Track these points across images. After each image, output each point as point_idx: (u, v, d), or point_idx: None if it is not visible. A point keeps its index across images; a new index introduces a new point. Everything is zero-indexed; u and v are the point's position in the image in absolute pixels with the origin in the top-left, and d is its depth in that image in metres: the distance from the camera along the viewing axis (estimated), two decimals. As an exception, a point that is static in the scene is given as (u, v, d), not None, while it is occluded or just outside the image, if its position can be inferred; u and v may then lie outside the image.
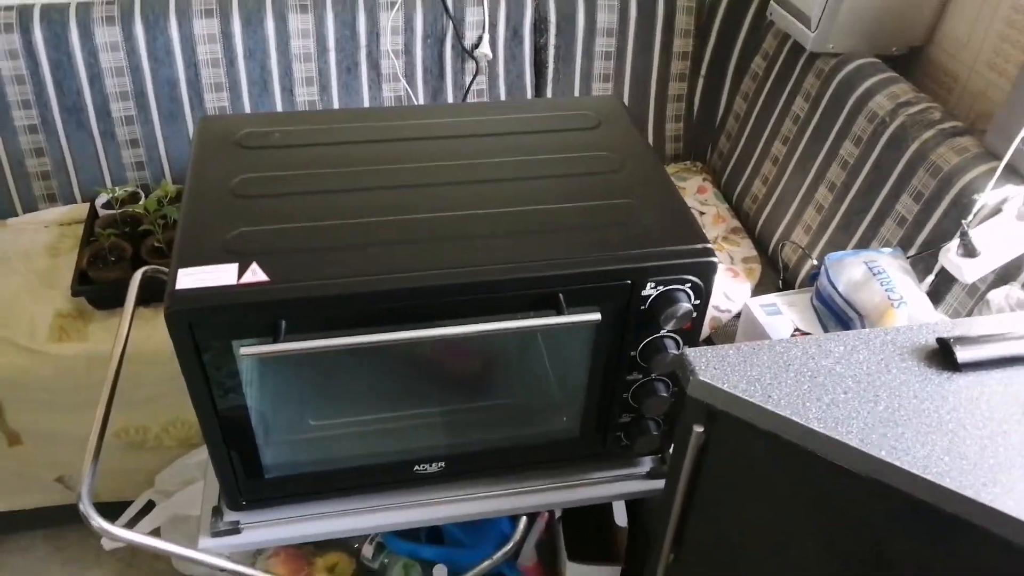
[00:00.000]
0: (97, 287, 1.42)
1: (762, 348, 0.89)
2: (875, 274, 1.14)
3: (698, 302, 0.92)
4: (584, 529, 1.26)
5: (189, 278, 0.82)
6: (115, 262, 1.44)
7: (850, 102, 1.43)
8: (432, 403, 1.07)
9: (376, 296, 0.83)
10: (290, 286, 0.82)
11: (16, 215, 1.65)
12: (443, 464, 1.03)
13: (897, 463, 0.77)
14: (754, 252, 1.62)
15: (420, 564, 1.34)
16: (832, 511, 0.89)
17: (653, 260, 0.89)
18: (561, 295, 0.87)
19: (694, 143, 1.90)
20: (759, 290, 1.54)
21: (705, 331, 1.45)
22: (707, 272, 0.91)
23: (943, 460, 0.77)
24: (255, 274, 0.83)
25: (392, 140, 1.05)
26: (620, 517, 1.19)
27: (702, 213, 1.70)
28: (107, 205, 1.56)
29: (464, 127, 1.08)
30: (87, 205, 1.62)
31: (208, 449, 0.93)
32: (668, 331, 0.94)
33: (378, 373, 1.05)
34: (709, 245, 0.91)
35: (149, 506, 1.50)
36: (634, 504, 1.27)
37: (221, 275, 0.83)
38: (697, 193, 1.76)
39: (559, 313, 0.87)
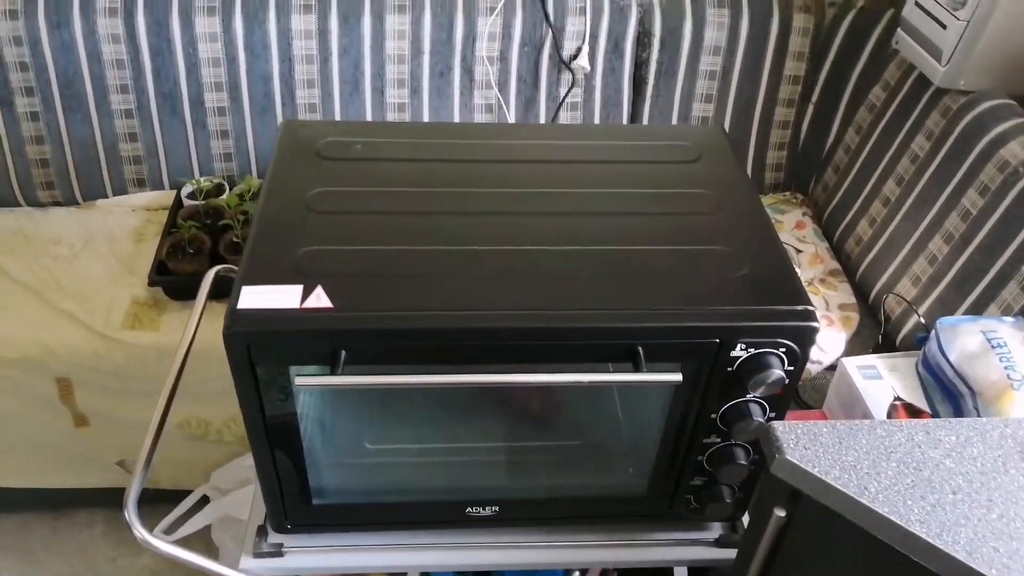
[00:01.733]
0: (174, 278, 1.42)
1: (861, 429, 0.80)
2: (994, 347, 1.02)
3: (792, 368, 0.83)
4: (642, 584, 1.19)
5: (252, 297, 0.79)
6: (193, 254, 1.44)
7: (979, 147, 1.30)
8: (493, 437, 1.02)
9: (440, 333, 0.78)
10: (352, 315, 0.78)
11: (106, 197, 1.67)
12: (497, 508, 0.97)
13: (1011, 586, 0.67)
14: (852, 299, 1.50)
15: (467, 598, 1.29)
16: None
17: (746, 320, 0.81)
18: (640, 349, 0.80)
19: (796, 174, 1.78)
20: (855, 341, 1.43)
21: (792, 382, 1.34)
22: (805, 337, 0.82)
23: (1064, 587, 0.67)
24: (319, 299, 0.79)
25: (477, 161, 0.99)
26: (682, 579, 1.12)
27: (799, 251, 1.59)
28: (191, 195, 1.57)
29: (554, 152, 1.02)
30: (174, 192, 1.63)
31: (256, 469, 0.89)
32: (755, 396, 0.86)
33: (440, 402, 1.00)
34: (811, 307, 0.82)
35: (204, 500, 1.50)
36: (698, 570, 1.18)
37: (285, 297, 0.79)
38: (795, 228, 1.65)
39: (636, 369, 0.80)
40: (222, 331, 0.77)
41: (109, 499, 1.68)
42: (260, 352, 0.78)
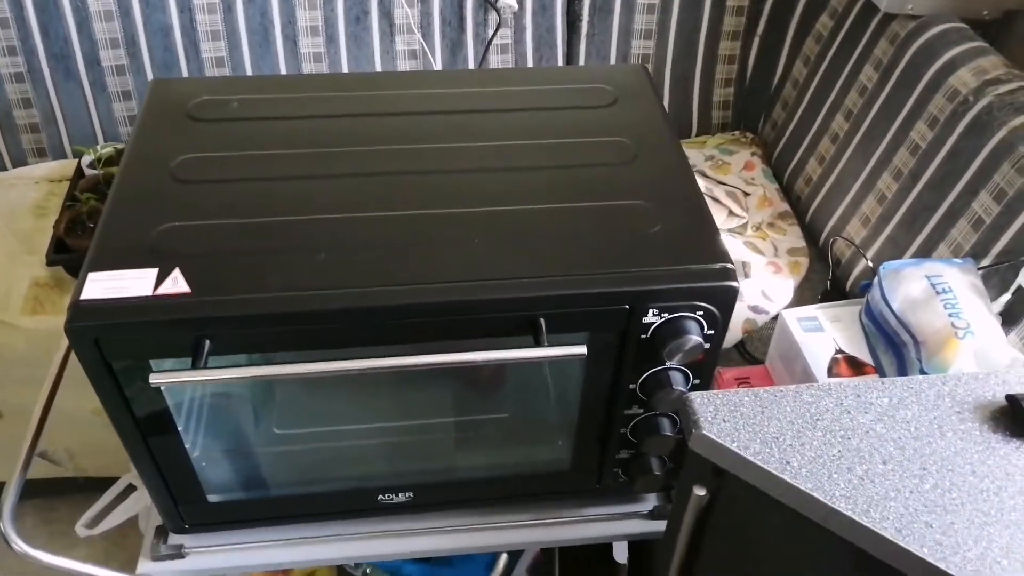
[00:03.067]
0: (74, 256, 1.32)
1: (786, 396, 0.73)
2: (938, 292, 0.95)
3: (712, 333, 0.76)
4: (582, 562, 1.13)
5: (99, 285, 0.69)
6: (94, 228, 1.33)
7: (928, 75, 1.21)
8: (405, 414, 0.94)
9: (311, 316, 0.69)
10: (213, 300, 0.69)
11: (5, 169, 1.55)
12: (411, 494, 0.90)
13: (941, 565, 0.61)
14: (802, 243, 1.42)
15: (402, 579, 1.23)
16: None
17: (657, 282, 0.73)
18: (542, 320, 0.72)
19: (745, 112, 1.69)
20: (804, 288, 1.36)
21: (737, 334, 1.28)
22: (725, 299, 0.74)
23: (999, 563, 0.61)
24: (176, 283, 0.70)
25: (365, 115, 0.89)
26: (620, 553, 1.06)
27: (747, 194, 1.51)
28: (92, 165, 1.45)
29: (454, 101, 0.92)
30: (76, 161, 1.51)
31: (136, 471, 0.81)
32: (674, 364, 0.78)
33: (339, 381, 0.92)
34: (729, 266, 0.74)
35: (130, 488, 1.42)
36: (638, 543, 1.13)
37: (136, 283, 0.70)
38: (744, 170, 1.57)
39: (538, 343, 0.72)
40: (64, 325, 0.68)
41: (38, 491, 1.60)
42: (111, 348, 0.69)
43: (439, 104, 0.91)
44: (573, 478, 0.92)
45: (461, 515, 0.95)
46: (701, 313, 0.74)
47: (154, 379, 0.68)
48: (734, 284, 0.73)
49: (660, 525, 0.97)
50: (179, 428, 0.78)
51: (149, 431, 0.77)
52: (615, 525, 0.96)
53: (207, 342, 0.69)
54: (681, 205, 0.80)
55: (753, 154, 1.60)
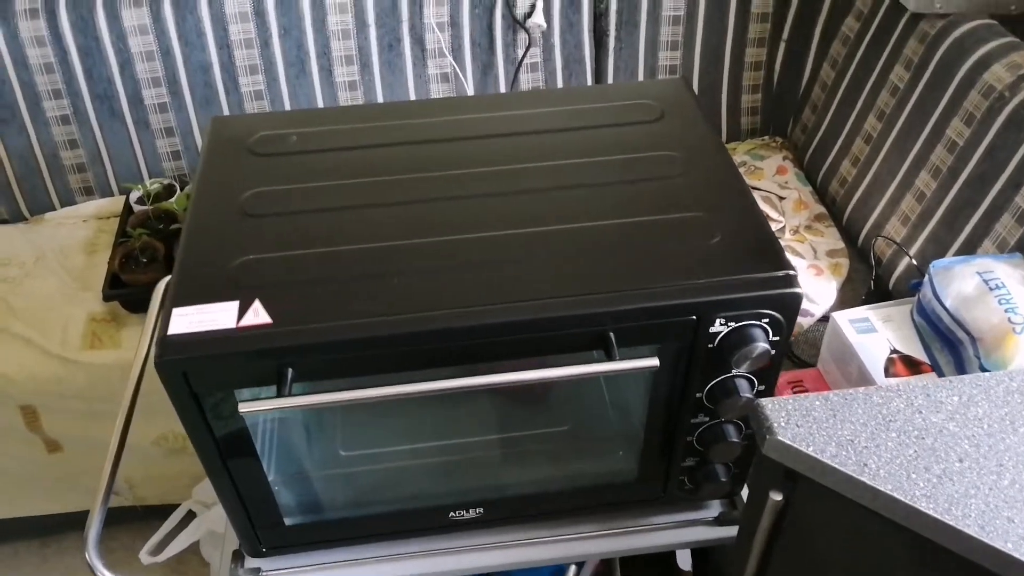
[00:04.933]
0: (129, 291, 1.35)
1: (856, 399, 0.74)
2: (991, 288, 0.96)
3: (777, 339, 0.77)
4: (644, 567, 1.14)
5: (184, 320, 0.72)
6: (147, 263, 1.36)
7: (961, 72, 1.22)
8: (473, 432, 0.96)
9: (391, 340, 0.71)
10: (294, 330, 0.71)
11: (53, 209, 1.59)
12: (481, 510, 0.92)
13: (1028, 559, 0.62)
14: (841, 244, 1.44)
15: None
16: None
17: (724, 292, 0.74)
18: (612, 335, 0.74)
19: (774, 116, 1.71)
20: (847, 289, 1.37)
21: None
22: (789, 305, 0.76)
23: (1087, 555, 0.62)
24: (257, 315, 0.72)
25: (421, 142, 0.92)
26: (684, 560, 1.07)
27: (782, 198, 1.52)
28: (140, 200, 1.49)
29: (506, 124, 0.94)
30: (124, 198, 1.55)
31: (218, 497, 0.84)
32: (740, 372, 0.80)
33: (412, 402, 0.94)
34: (792, 272, 0.76)
35: (190, 516, 1.45)
36: (701, 550, 1.14)
37: (220, 316, 0.72)
38: (776, 174, 1.58)
39: (609, 357, 0.73)
40: (153, 360, 0.70)
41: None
42: (198, 379, 0.72)
43: (492, 128, 0.94)
44: (639, 487, 0.93)
45: (530, 528, 0.96)
46: (767, 320, 0.75)
47: (243, 409, 0.70)
48: (798, 290, 0.75)
49: (725, 531, 0.98)
50: (257, 453, 0.80)
51: (231, 458, 0.79)
52: (681, 533, 0.97)
53: (290, 370, 0.72)
54: (737, 214, 0.81)
55: (785, 158, 1.61)
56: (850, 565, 0.81)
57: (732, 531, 0.97)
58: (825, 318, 1.30)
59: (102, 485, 0.91)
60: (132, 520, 1.58)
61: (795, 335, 1.30)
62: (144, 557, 1.37)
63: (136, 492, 1.56)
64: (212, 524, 1.35)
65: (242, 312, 0.72)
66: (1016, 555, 0.62)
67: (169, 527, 1.43)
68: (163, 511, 1.49)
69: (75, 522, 1.69)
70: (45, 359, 1.33)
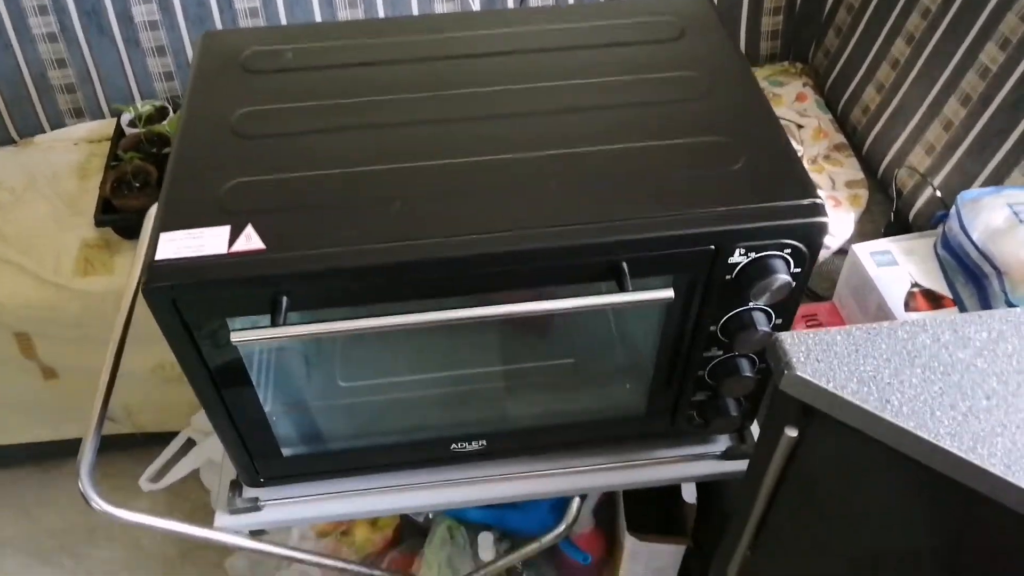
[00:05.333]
0: (121, 216, 1.31)
1: (879, 333, 0.71)
2: (1022, 220, 0.92)
3: (799, 270, 0.73)
4: (647, 500, 1.13)
5: (173, 245, 0.68)
6: (140, 188, 1.32)
7: (998, -7, 1.15)
8: (475, 363, 0.93)
9: (392, 269, 0.68)
10: (289, 256, 0.67)
11: (43, 132, 1.54)
12: (484, 442, 0.89)
13: (1057, 501, 0.59)
14: (860, 175, 1.38)
15: (466, 525, 1.24)
16: (959, 535, 0.72)
17: (744, 221, 0.70)
18: (625, 265, 0.70)
19: (795, 40, 1.63)
20: (865, 221, 1.32)
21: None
22: (814, 235, 0.71)
23: (1120, 499, 0.59)
24: (249, 240, 0.68)
25: (428, 59, 0.86)
26: (688, 493, 1.05)
27: (801, 126, 1.46)
28: (132, 123, 1.43)
29: (517, 41, 0.88)
30: (115, 120, 1.49)
31: (214, 428, 0.81)
32: (758, 304, 0.76)
33: (410, 336, 0.91)
34: (819, 200, 0.71)
35: (190, 444, 1.44)
36: (705, 484, 1.12)
37: (210, 241, 0.68)
38: (796, 101, 1.51)
39: (621, 288, 0.70)
40: (141, 287, 0.66)
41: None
42: (189, 308, 0.68)
43: (501, 44, 0.88)
44: (646, 421, 0.90)
45: (533, 461, 0.94)
46: (789, 251, 0.71)
47: (236, 338, 0.67)
48: (824, 219, 0.70)
49: (732, 466, 0.96)
50: (253, 383, 0.78)
51: (226, 388, 0.76)
52: (688, 467, 0.95)
53: (285, 299, 0.68)
54: (762, 139, 0.76)
55: (805, 85, 1.54)
56: (859, 504, 0.79)
57: (740, 465, 0.95)
58: (842, 251, 1.26)
59: (94, 414, 0.89)
60: (132, 447, 1.57)
61: (809, 269, 1.26)
62: (144, 484, 1.36)
63: (135, 420, 1.55)
64: (211, 452, 1.34)
65: (234, 237, 0.68)
66: (1044, 497, 0.59)
67: (168, 455, 1.42)
68: (163, 438, 1.49)
69: (73, 449, 1.68)
70: (38, 286, 1.30)
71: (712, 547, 1.02)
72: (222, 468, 0.96)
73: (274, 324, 0.67)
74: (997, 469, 0.61)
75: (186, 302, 0.68)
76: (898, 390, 0.66)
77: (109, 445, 1.65)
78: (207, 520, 0.94)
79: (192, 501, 1.64)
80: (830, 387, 0.67)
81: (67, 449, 1.66)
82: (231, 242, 0.68)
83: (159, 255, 0.67)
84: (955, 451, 0.62)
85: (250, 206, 0.71)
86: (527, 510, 1.20)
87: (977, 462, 0.62)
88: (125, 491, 1.65)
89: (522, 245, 0.68)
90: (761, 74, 1.59)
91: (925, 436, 0.63)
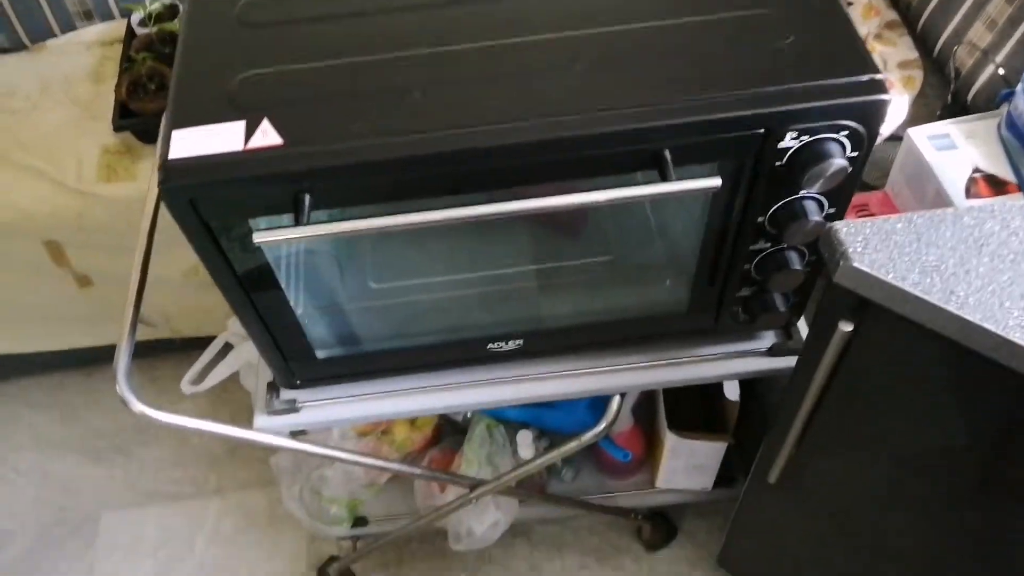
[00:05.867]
0: (139, 120, 1.27)
1: (944, 220, 0.66)
2: (1099, 95, 0.84)
3: (856, 154, 0.68)
4: (688, 398, 1.11)
5: (186, 143, 0.64)
6: (156, 90, 1.27)
7: None
8: (512, 261, 0.90)
9: (419, 161, 0.63)
10: (309, 151, 0.63)
11: (54, 36, 1.48)
12: (521, 341, 0.87)
13: None
14: (915, 54, 1.28)
15: (504, 424, 1.23)
16: (1010, 433, 0.69)
17: (797, 101, 0.64)
18: (667, 152, 0.65)
19: (845, -94, 1.49)
20: (919, 104, 1.24)
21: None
22: (873, 114, 0.65)
23: None
24: (266, 135, 0.64)
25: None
26: (731, 391, 1.03)
27: (850, 3, 1.35)
28: (142, 23, 1.37)
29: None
30: (126, 21, 1.43)
31: (246, 331, 0.80)
32: (811, 192, 0.71)
33: (447, 229, 0.88)
34: (878, 76, 0.65)
35: (227, 348, 1.44)
36: (746, 383, 1.09)
37: (225, 137, 0.64)
38: (845, -25, 1.40)
39: (664, 178, 0.65)
40: (157, 185, 0.63)
41: (137, 352, 1.65)
42: (208, 207, 0.65)
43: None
44: (688, 318, 0.87)
45: (572, 360, 0.92)
46: (846, 133, 0.66)
47: (258, 238, 0.64)
48: (885, 97, 0.64)
49: (779, 362, 0.93)
50: (281, 285, 0.75)
51: (253, 290, 0.74)
52: (732, 364, 0.92)
53: (307, 196, 0.65)
54: (814, 9, 0.70)
55: (855, -44, 1.43)
56: (911, 402, 0.76)
57: (787, 362, 0.92)
58: (894, 137, 1.18)
59: (126, 319, 0.88)
60: (172, 351, 1.59)
61: (858, 156, 1.20)
62: (186, 387, 1.38)
63: (172, 325, 1.56)
64: (248, 355, 1.34)
65: (249, 132, 0.64)
66: (1121, 390, 0.55)
67: (207, 359, 1.42)
68: (202, 342, 1.50)
69: (113, 354, 1.72)
70: (63, 193, 1.28)
71: (754, 445, 1.01)
72: (258, 371, 0.95)
73: (297, 223, 0.64)
74: (1069, 361, 0.57)
75: (205, 202, 0.65)
76: (964, 280, 0.62)
77: (150, 351, 1.67)
78: (250, 421, 0.95)
79: (232, 405, 1.67)
80: (890, 278, 0.63)
81: (109, 353, 1.69)
82: (247, 138, 0.64)
83: (172, 154, 0.64)
84: (1024, 343, 0.59)
85: (264, 99, 0.67)
86: (565, 409, 1.19)
87: (1048, 354, 0.58)
88: (170, 394, 1.68)
89: (556, 133, 0.63)
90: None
91: (993, 328, 0.59)
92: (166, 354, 1.62)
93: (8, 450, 1.68)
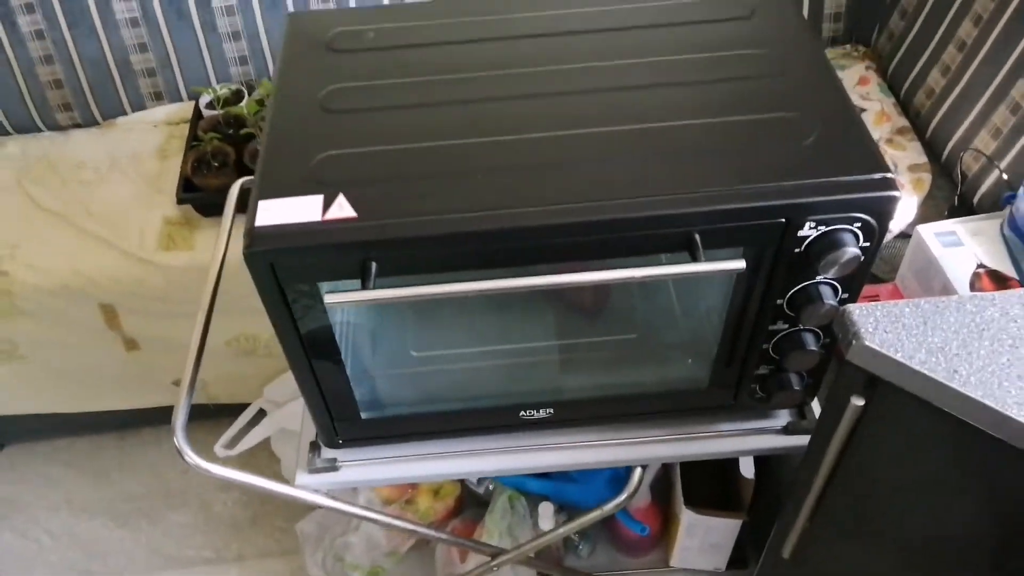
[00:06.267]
0: (202, 194, 1.37)
1: (948, 306, 0.72)
2: (1093, 201, 0.92)
3: (868, 245, 0.75)
4: (704, 473, 1.15)
5: (270, 212, 0.73)
6: (219, 167, 1.38)
7: (1071, -28, 1.14)
8: (543, 336, 0.97)
9: (475, 236, 0.71)
10: (378, 224, 0.71)
11: (125, 114, 1.61)
12: (552, 410, 0.93)
13: (1126, 470, 0.60)
14: (923, 159, 1.38)
15: (526, 497, 1.28)
16: (1016, 499, 0.73)
17: (815, 194, 0.72)
18: (697, 236, 0.73)
19: (857, 23, 1.62)
20: (928, 205, 1.32)
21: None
22: (884, 209, 0.73)
23: None
24: (342, 208, 0.73)
25: (504, 38, 0.89)
26: (747, 468, 1.07)
27: (863, 110, 1.45)
28: (210, 105, 1.50)
29: (590, 20, 0.91)
30: (193, 103, 1.56)
31: (300, 389, 0.86)
32: (826, 278, 0.78)
33: (486, 304, 0.95)
34: (889, 175, 0.73)
35: (260, 414, 1.50)
36: (761, 459, 1.14)
37: (305, 209, 0.73)
38: (858, 85, 1.51)
39: (694, 259, 0.72)
40: (242, 251, 0.71)
41: (171, 417, 1.71)
42: (285, 271, 0.73)
43: (574, 24, 0.91)
44: (709, 394, 0.93)
45: (598, 431, 0.97)
46: (859, 224, 0.73)
47: (329, 299, 0.71)
48: (895, 193, 0.72)
49: (793, 440, 0.98)
50: (339, 348, 0.82)
51: (313, 351, 0.81)
52: (749, 440, 0.97)
53: (374, 264, 0.72)
54: (833, 115, 0.78)
55: (867, 68, 1.54)
56: (921, 478, 0.80)
57: (800, 440, 0.97)
58: (903, 235, 1.26)
59: (187, 376, 0.94)
60: (205, 417, 1.65)
61: (871, 251, 1.27)
62: (219, 450, 1.43)
63: (208, 391, 1.62)
64: (283, 422, 1.40)
65: (327, 206, 0.73)
66: (1113, 465, 0.60)
67: (241, 423, 1.49)
68: (233, 410, 1.56)
69: (150, 418, 1.77)
70: (124, 260, 1.37)
71: (768, 524, 1.04)
72: (302, 430, 1.01)
73: (364, 288, 0.72)
74: (1065, 438, 0.63)
75: (283, 265, 0.72)
76: (966, 361, 0.68)
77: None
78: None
79: (259, 470, 1.71)
80: (898, 357, 0.69)
81: (144, 418, 1.76)
82: (324, 210, 0.72)
83: (258, 222, 0.72)
84: (1023, 420, 0.64)
85: (341, 177, 0.75)
86: (585, 483, 1.23)
87: (1045, 431, 0.63)
88: (202, 457, 1.74)
89: (599, 216, 0.71)
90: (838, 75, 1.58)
91: (993, 405, 0.65)
92: (199, 419, 1.66)
93: (40, 510, 1.72)
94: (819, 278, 0.78)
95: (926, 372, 0.67)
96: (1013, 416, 0.64)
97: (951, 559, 0.84)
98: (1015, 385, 0.66)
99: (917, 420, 0.73)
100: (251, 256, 0.71)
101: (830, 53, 1.60)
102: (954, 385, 0.66)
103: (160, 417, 1.75)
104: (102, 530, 1.69)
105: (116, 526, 1.70)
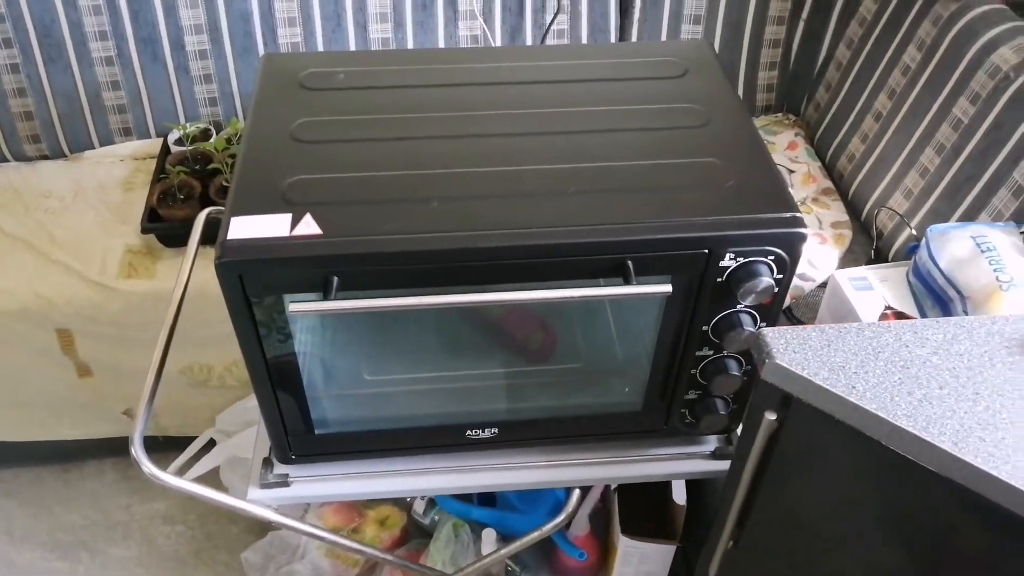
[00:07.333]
0: (166, 225, 1.42)
1: (849, 332, 0.81)
2: (983, 251, 1.03)
3: (781, 276, 0.84)
4: (640, 503, 1.22)
5: (242, 227, 0.79)
6: (184, 200, 1.43)
7: (969, 54, 1.28)
8: (489, 363, 1.03)
9: (431, 256, 0.78)
10: (342, 240, 0.78)
11: (93, 148, 1.66)
12: (496, 430, 0.99)
13: (994, 472, 0.69)
14: (845, 216, 1.50)
15: (470, 525, 1.32)
16: (908, 508, 0.81)
17: (734, 228, 0.81)
18: (630, 263, 0.81)
19: (788, 94, 1.77)
20: (848, 258, 1.44)
21: (785, 300, 1.35)
22: (794, 244, 0.82)
23: (1048, 472, 0.69)
24: (308, 226, 0.79)
25: (462, 84, 0.99)
26: (679, 494, 1.14)
27: (791, 171, 1.58)
28: (179, 141, 1.56)
29: (539, 72, 1.01)
30: (161, 140, 1.62)
31: (258, 401, 0.91)
32: (745, 306, 0.87)
33: (435, 330, 1.01)
34: (798, 214, 0.82)
35: (211, 444, 1.52)
36: (695, 481, 1.21)
37: (274, 225, 0.79)
38: (787, 149, 1.64)
39: (627, 282, 0.80)
40: (214, 261, 0.77)
41: (118, 448, 1.71)
42: (253, 282, 0.79)
43: (523, 75, 1.00)
44: (643, 419, 1.00)
45: (540, 452, 1.03)
46: (772, 257, 0.82)
47: (292, 308, 0.77)
48: (803, 230, 0.82)
49: (720, 465, 1.05)
50: (299, 364, 0.88)
51: (275, 365, 0.86)
52: (679, 464, 1.04)
53: (335, 279, 0.79)
54: (752, 162, 0.88)
55: (796, 134, 1.68)
56: (836, 486, 0.88)
57: (726, 465, 1.04)
58: (825, 284, 1.37)
59: (148, 385, 0.98)
60: (154, 449, 1.64)
61: (796, 299, 1.37)
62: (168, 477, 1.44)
63: (157, 422, 1.63)
64: (234, 450, 1.43)
65: (295, 223, 0.79)
66: (985, 468, 0.69)
67: (193, 451, 1.50)
68: (181, 443, 1.57)
69: (96, 449, 1.77)
70: (83, 285, 1.40)
71: (700, 550, 1.10)
72: (255, 447, 1.05)
73: (325, 299, 0.78)
74: (946, 446, 0.71)
75: (251, 277, 0.78)
76: (863, 378, 0.76)
77: (126, 448, 1.73)
78: (222, 519, 1.01)
79: (204, 507, 1.72)
80: (805, 374, 0.77)
81: (89, 450, 1.75)
82: (292, 227, 0.79)
83: (230, 235, 0.78)
84: (911, 429, 0.72)
85: (309, 199, 0.82)
86: (527, 512, 1.28)
87: (929, 439, 0.72)
88: (146, 491, 1.73)
89: (543, 240, 0.79)
90: (757, 124, 1.72)
91: (885, 416, 0.73)
92: (149, 451, 1.68)
93: (-22, 539, 1.69)
94: (740, 306, 0.87)
95: (827, 387, 0.76)
96: (902, 426, 0.72)
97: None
98: (905, 400, 0.75)
99: (824, 434, 0.81)
100: (222, 266, 0.77)
101: (764, 120, 1.74)
102: (852, 399, 0.75)
103: (106, 449, 1.75)
104: (41, 562, 1.67)
105: (56, 558, 1.68)
